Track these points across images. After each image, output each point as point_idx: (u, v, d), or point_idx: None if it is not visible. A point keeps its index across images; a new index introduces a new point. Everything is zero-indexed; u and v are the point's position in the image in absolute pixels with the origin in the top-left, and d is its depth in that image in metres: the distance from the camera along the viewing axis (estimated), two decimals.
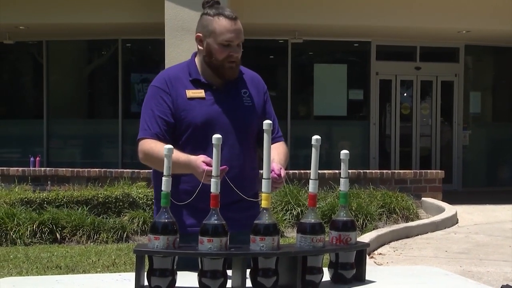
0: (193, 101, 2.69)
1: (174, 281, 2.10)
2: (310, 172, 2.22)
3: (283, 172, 2.52)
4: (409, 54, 13.33)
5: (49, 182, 10.04)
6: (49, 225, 7.48)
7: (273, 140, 2.73)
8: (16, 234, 7.31)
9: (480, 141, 13.82)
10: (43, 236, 7.41)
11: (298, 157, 12.16)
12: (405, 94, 13.56)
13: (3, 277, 5.17)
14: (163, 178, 2.12)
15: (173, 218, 2.11)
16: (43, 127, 13.21)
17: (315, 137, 2.22)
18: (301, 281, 2.14)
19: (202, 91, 2.71)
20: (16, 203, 7.91)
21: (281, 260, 2.14)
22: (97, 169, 10.14)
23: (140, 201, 8.19)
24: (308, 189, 2.27)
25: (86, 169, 10.18)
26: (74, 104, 14.22)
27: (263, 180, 2.14)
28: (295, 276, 2.12)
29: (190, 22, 9.45)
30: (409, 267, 3.81)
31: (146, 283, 2.11)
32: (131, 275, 2.22)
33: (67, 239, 7.51)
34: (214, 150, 2.13)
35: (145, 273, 2.12)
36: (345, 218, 2.28)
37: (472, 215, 9.71)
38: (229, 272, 2.12)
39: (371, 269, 2.44)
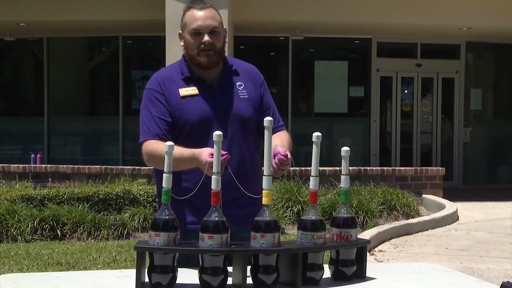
0: (187, 99, 2.68)
1: (174, 277, 2.11)
2: (310, 169, 2.21)
3: (289, 154, 2.49)
4: (410, 51, 13.32)
5: (50, 179, 10.05)
6: (50, 221, 7.48)
7: (275, 130, 2.72)
8: (17, 230, 7.31)
9: (481, 138, 13.79)
10: (44, 232, 7.42)
11: (299, 154, 12.13)
12: (405, 91, 13.54)
13: (4, 273, 5.18)
14: (163, 175, 2.12)
15: (173, 215, 2.11)
16: (43, 124, 13.21)
17: (316, 134, 2.21)
18: (302, 278, 2.14)
19: (195, 88, 2.70)
20: (17, 200, 7.93)
21: (281, 257, 2.14)
22: (97, 166, 10.16)
23: (141, 198, 8.20)
24: (308, 186, 2.27)
25: (86, 166, 10.20)
26: (74, 101, 14.21)
27: (263, 177, 2.14)
28: (295, 273, 2.12)
29: None
30: (410, 264, 3.80)
31: (147, 279, 2.11)
32: (132, 272, 2.22)
33: (67, 235, 7.51)
34: (215, 147, 2.12)
35: (146, 270, 2.12)
36: (345, 215, 2.28)
37: (473, 212, 9.71)
38: (230, 269, 2.12)
39: (372, 266, 2.44)
